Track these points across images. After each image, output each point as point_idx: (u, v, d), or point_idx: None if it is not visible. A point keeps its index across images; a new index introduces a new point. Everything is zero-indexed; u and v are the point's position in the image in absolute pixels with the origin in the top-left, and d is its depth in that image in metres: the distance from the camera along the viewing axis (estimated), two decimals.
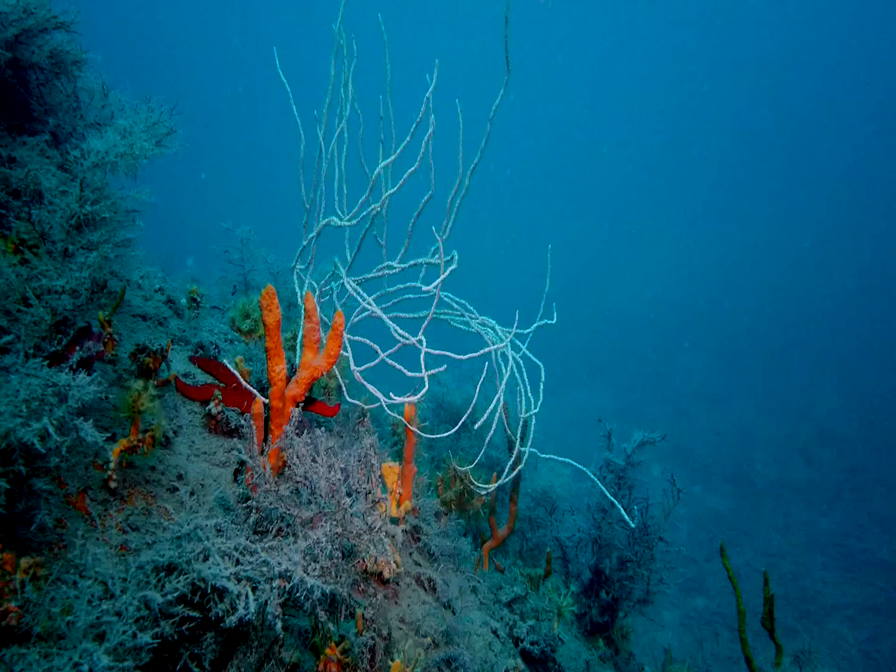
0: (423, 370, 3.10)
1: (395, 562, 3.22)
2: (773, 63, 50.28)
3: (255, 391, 2.74)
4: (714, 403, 22.75)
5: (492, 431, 3.85)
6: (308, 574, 1.89)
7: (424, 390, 3.11)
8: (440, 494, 4.44)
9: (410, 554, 3.52)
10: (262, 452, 2.47)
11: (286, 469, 2.17)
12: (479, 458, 3.97)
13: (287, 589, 1.86)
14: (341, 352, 3.62)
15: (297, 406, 2.92)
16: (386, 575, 3.12)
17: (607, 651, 4.93)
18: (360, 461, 2.17)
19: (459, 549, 3.82)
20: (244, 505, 2.08)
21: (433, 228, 3.02)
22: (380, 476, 2.18)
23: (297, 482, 2.07)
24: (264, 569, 1.88)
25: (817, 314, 29.51)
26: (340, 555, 1.97)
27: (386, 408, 3.31)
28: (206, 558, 1.86)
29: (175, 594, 1.77)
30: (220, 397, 3.04)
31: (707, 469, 17.96)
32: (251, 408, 2.74)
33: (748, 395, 23.05)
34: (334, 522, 2.01)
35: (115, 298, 3.23)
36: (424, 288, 3.16)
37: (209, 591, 1.80)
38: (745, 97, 51.20)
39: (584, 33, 56.92)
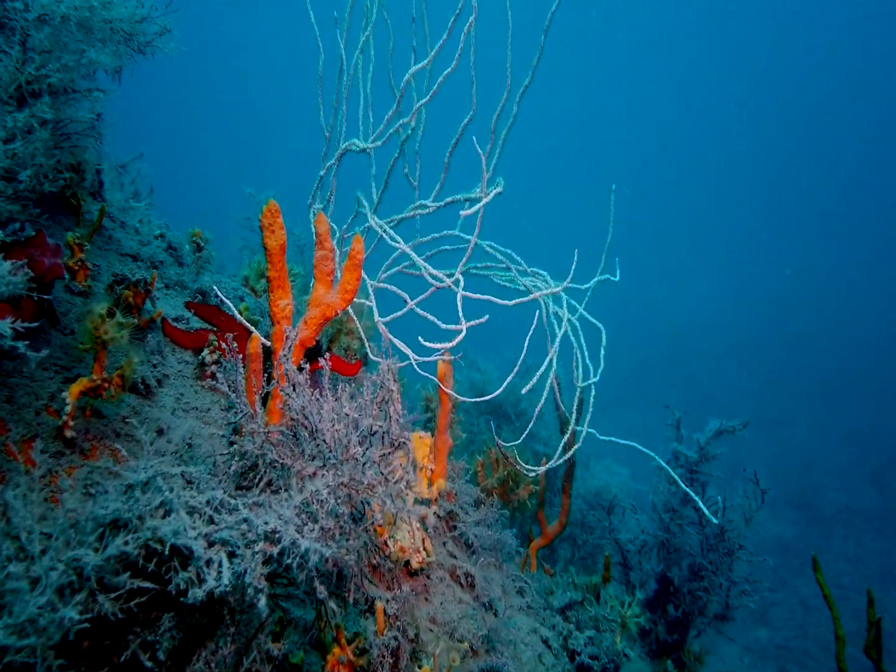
0: (461, 318, 2.66)
1: (424, 549, 2.79)
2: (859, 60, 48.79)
3: (252, 329, 2.33)
4: (772, 427, 21.99)
5: (537, 411, 3.39)
6: (303, 536, 1.47)
7: (461, 336, 2.67)
8: (480, 482, 4.00)
9: (444, 544, 3.09)
10: (261, 402, 2.06)
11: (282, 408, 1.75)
12: (526, 431, 3.51)
13: (275, 555, 1.44)
14: (364, 301, 3.21)
15: (319, 357, 2.52)
16: (414, 565, 2.69)
17: None
18: (374, 390, 1.74)
19: (503, 543, 3.37)
20: (225, 452, 1.66)
21: (474, 139, 2.58)
22: (402, 411, 1.75)
23: (293, 420, 1.65)
24: (244, 528, 1.46)
25: (879, 336, 28.58)
26: (349, 513, 1.55)
27: (416, 366, 2.88)
28: (166, 514, 1.45)
29: (120, 559, 1.36)
30: (216, 343, 2.65)
31: (768, 494, 17.23)
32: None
33: (809, 418, 22.35)
34: (339, 473, 1.59)
35: (93, 222, 2.87)
36: (463, 213, 2.72)
37: (168, 555, 1.39)
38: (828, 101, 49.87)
39: None
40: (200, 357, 2.63)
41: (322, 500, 1.50)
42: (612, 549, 4.75)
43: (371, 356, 3.07)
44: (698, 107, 52.90)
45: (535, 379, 2.95)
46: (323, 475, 1.57)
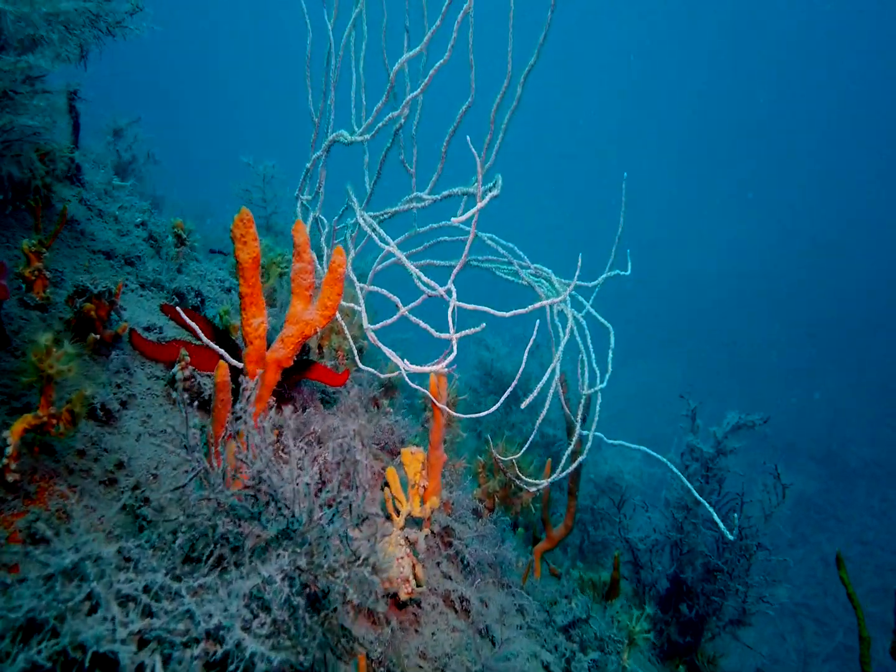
0: (452, 330, 2.46)
1: (415, 577, 2.64)
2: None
3: (220, 350, 2.14)
4: (798, 377, 21.62)
5: (546, 406, 3.22)
6: (252, 633, 1.30)
7: (452, 356, 2.48)
8: (481, 484, 3.84)
9: (438, 564, 2.93)
10: (224, 438, 1.88)
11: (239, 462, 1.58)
12: (530, 440, 3.34)
13: (218, 657, 1.28)
14: (353, 306, 3.01)
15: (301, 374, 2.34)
16: (402, 596, 2.53)
17: None
18: (338, 456, 1.56)
19: (502, 558, 3.21)
20: (169, 519, 1.49)
21: (468, 138, 2.35)
22: (382, 478, 1.56)
23: (247, 487, 1.47)
24: (185, 624, 1.30)
25: None
26: (305, 603, 1.37)
27: (407, 378, 2.69)
28: (94, 609, 1.29)
29: None
30: (188, 358, 2.47)
31: (791, 448, 17.01)
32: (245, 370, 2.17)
33: (837, 368, 21.82)
34: (297, 549, 1.41)
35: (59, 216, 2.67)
36: (455, 220, 2.50)
37: (89, 666, 1.23)
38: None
39: None
40: (172, 373, 2.46)
41: (276, 589, 1.33)
42: (623, 546, 4.60)
43: (360, 366, 2.88)
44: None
45: (535, 391, 2.76)
46: (279, 554, 1.40)
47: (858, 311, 26.31)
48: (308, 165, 3.05)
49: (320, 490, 1.51)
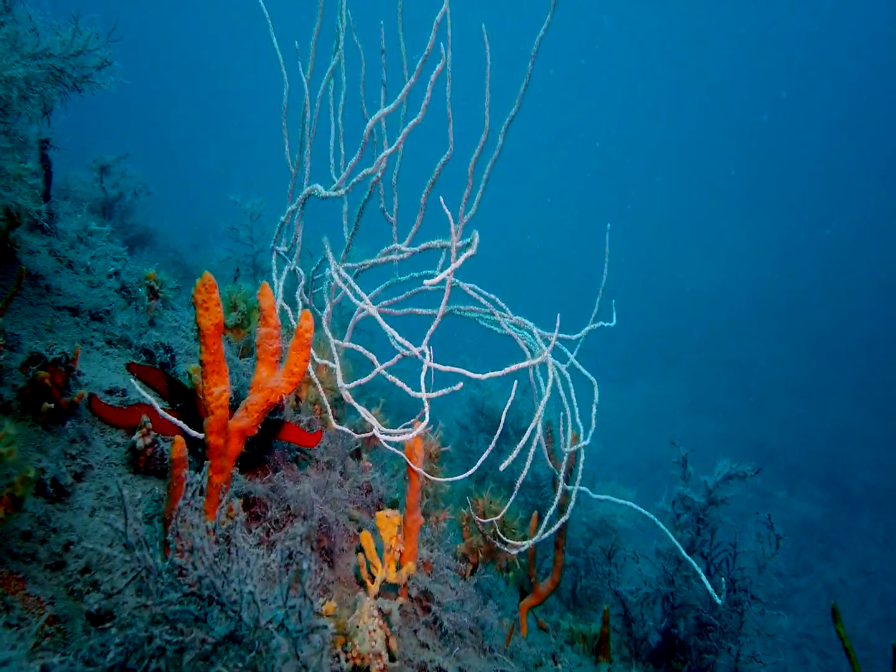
0: (424, 390, 2.37)
1: (389, 649, 2.53)
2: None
3: (177, 421, 2.05)
4: (802, 397, 21.47)
5: (532, 450, 3.11)
6: None
7: (425, 423, 2.39)
8: (465, 538, 3.73)
9: (416, 632, 2.82)
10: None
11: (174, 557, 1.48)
12: (514, 493, 3.25)
13: None
14: (329, 363, 2.93)
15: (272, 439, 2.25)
16: None
17: None
18: (285, 559, 1.46)
19: (483, 621, 3.10)
20: (101, 628, 1.39)
21: (441, 199, 2.27)
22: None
23: (186, 595, 1.37)
24: None
25: None
26: None
27: (383, 441, 2.60)
28: None
29: None
30: (150, 424, 2.37)
31: (794, 471, 16.89)
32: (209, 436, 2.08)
33: (843, 389, 21.67)
34: (241, 661, 1.31)
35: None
36: (426, 283, 2.42)
37: None
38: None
39: None
40: (132, 441, 2.36)
41: None
42: (614, 600, 4.48)
43: (335, 427, 2.79)
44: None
45: (514, 453, 2.67)
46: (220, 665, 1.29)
47: (862, 327, 26.22)
48: (283, 218, 2.98)
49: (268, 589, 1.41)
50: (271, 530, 2.38)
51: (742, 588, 4.17)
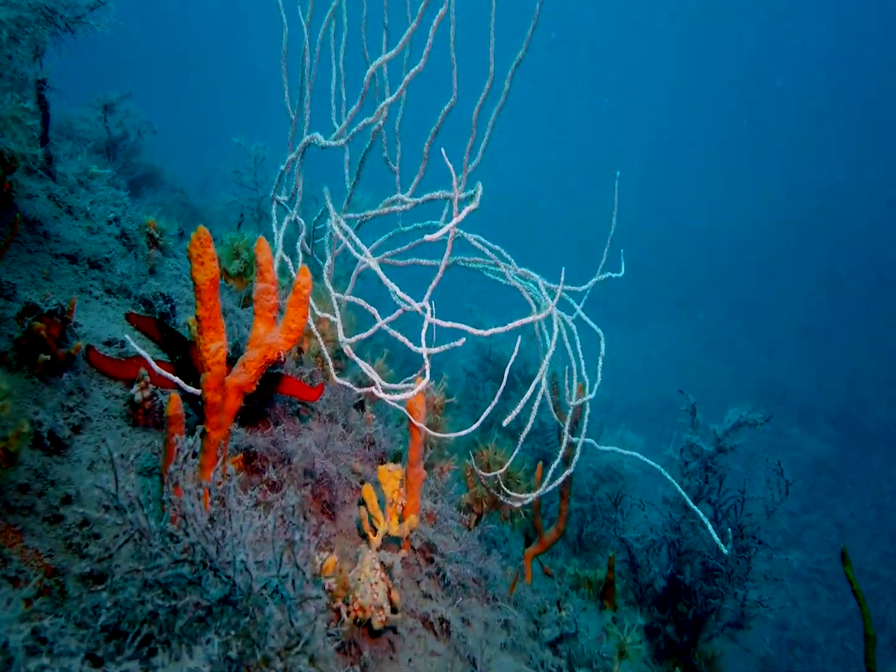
0: (424, 345, 2.34)
1: (391, 601, 2.54)
2: None
3: (173, 377, 2.02)
4: (817, 336, 21.35)
5: (538, 399, 3.07)
6: None
7: (426, 380, 2.36)
8: (469, 488, 3.74)
9: (419, 583, 2.84)
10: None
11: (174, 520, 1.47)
12: (520, 444, 3.22)
13: None
14: (330, 318, 2.89)
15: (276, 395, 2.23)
16: (376, 625, 2.44)
17: None
18: (278, 526, 1.44)
19: (487, 571, 3.12)
20: (92, 590, 1.39)
21: (442, 150, 2.19)
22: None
23: (178, 561, 1.36)
24: None
25: None
26: None
27: (384, 397, 2.57)
28: None
29: None
30: (148, 377, 2.36)
31: (807, 409, 16.89)
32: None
33: (858, 327, 21.52)
34: (230, 630, 1.31)
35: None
36: (427, 237, 2.36)
37: None
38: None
39: None
40: (131, 393, 2.35)
41: None
42: (619, 546, 4.51)
43: (335, 380, 2.76)
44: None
45: (518, 408, 2.64)
46: (209, 639, 1.29)
47: (879, 268, 25.89)
48: (283, 167, 2.91)
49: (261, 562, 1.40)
50: (268, 492, 2.38)
51: (750, 534, 4.18)
